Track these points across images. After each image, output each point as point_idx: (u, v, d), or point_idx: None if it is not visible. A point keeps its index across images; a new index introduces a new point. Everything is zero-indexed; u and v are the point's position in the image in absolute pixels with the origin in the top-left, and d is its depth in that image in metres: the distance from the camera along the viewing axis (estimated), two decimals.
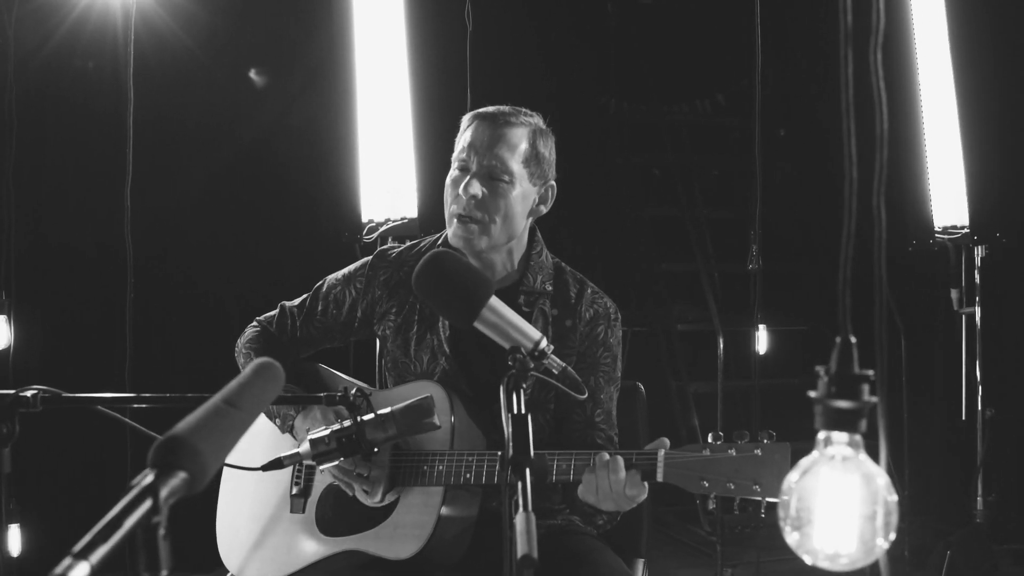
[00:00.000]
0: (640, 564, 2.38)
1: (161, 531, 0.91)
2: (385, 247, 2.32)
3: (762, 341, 4.83)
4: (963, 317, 4.50)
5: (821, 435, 0.98)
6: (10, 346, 3.70)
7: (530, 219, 2.22)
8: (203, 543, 2.27)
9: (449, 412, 2.04)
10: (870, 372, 0.97)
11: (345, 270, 2.31)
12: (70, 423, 4.01)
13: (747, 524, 4.89)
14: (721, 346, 4.81)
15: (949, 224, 4.40)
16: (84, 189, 4.19)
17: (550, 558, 2.05)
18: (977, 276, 4.40)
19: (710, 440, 1.83)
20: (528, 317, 2.17)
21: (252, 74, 4.57)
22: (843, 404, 0.96)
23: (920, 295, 5.11)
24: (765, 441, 1.79)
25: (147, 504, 0.90)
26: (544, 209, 2.24)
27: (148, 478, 0.93)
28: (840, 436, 0.98)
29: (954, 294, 4.49)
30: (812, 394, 0.98)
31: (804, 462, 0.99)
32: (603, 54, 5.83)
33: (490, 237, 2.14)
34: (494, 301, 1.74)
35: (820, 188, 5.78)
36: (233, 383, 1.10)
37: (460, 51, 4.12)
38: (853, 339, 0.98)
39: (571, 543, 2.11)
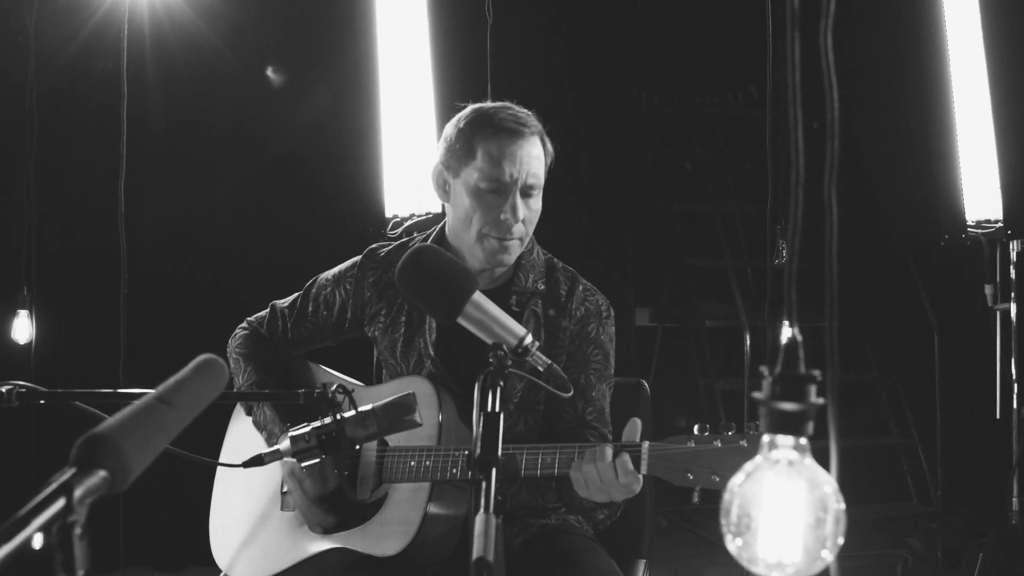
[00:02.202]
0: (641, 565, 2.34)
1: (77, 531, 0.89)
2: (375, 246, 2.29)
3: (787, 337, 4.75)
4: (997, 313, 4.38)
5: (765, 438, 0.94)
6: (32, 340, 3.75)
7: None
8: (201, 540, 2.27)
9: (437, 408, 2.01)
10: (816, 372, 0.93)
11: (335, 269, 2.28)
12: (97, 419, 4.06)
13: None
14: (748, 342, 4.74)
15: (983, 218, 4.28)
16: (103, 187, 4.23)
17: (540, 558, 2.02)
18: (1012, 271, 4.28)
19: (696, 432, 1.78)
20: (519, 317, 2.13)
21: (269, 72, 4.57)
22: (788, 406, 0.92)
23: (953, 291, 4.99)
24: (752, 432, 1.74)
25: (60, 503, 0.88)
26: None
27: (65, 476, 0.91)
28: (785, 440, 0.93)
29: (988, 290, 4.37)
30: (756, 395, 0.93)
31: (748, 466, 0.94)
32: (633, 46, 5.76)
33: (520, 249, 2.14)
34: (477, 296, 1.72)
35: (851, 182, 5.67)
36: (170, 380, 1.07)
37: (482, 45, 4.09)
38: (799, 338, 0.93)
39: (563, 543, 2.07)
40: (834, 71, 0.91)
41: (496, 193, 2.06)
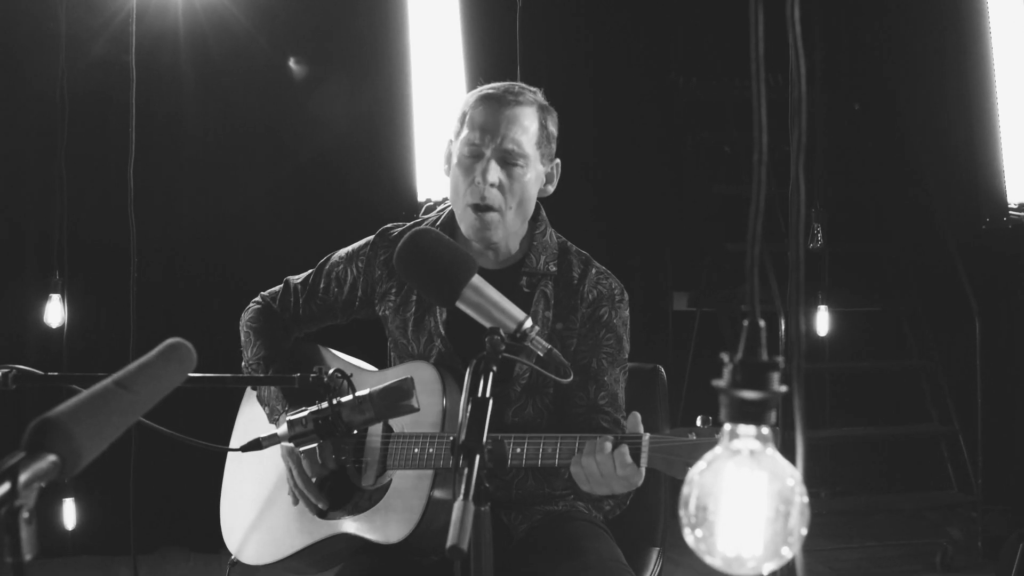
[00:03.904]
0: (655, 553, 2.31)
1: (24, 515, 0.89)
2: (388, 225, 2.28)
3: (823, 322, 4.68)
4: None
5: (726, 427, 0.90)
6: (64, 325, 3.79)
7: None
8: (211, 524, 2.28)
9: (441, 394, 1.99)
10: (779, 359, 0.89)
11: (349, 248, 2.27)
12: None
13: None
14: (783, 328, 4.66)
15: None
16: (138, 176, 4.27)
17: (541, 544, 2.00)
18: None
19: (699, 424, 1.74)
20: (529, 298, 2.10)
21: (291, 63, 4.57)
22: (749, 395, 0.88)
23: (995, 275, 4.87)
24: None
25: (5, 487, 0.87)
26: (551, 188, 2.17)
27: (13, 460, 0.90)
28: (747, 429, 0.89)
29: None
30: (716, 383, 0.90)
31: (709, 455, 0.91)
32: (669, 28, 5.69)
33: (506, 225, 2.08)
34: (476, 280, 1.70)
35: (892, 165, 5.56)
36: (133, 364, 1.07)
37: (513, 27, 4.06)
38: (762, 323, 0.89)
39: (567, 529, 2.04)
40: (801, 43, 0.87)
41: (474, 158, 2.05)
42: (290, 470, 2.02)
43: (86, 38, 4.08)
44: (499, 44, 4.05)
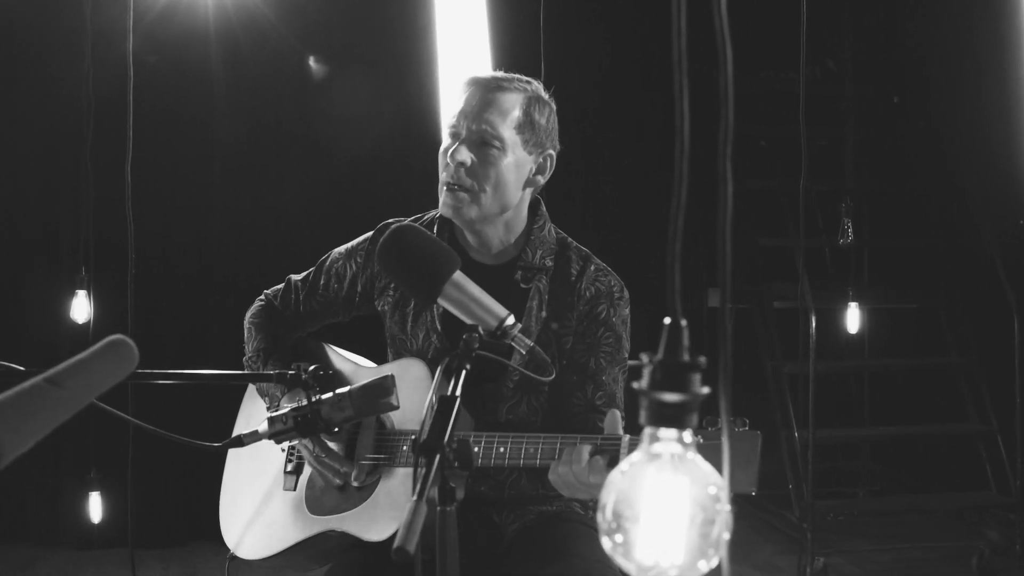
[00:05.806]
0: None
1: None
2: (388, 220, 2.26)
3: (854, 320, 4.59)
4: None
5: (647, 431, 0.87)
6: (90, 320, 3.83)
7: (528, 190, 2.11)
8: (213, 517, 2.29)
9: (433, 391, 1.97)
10: (702, 359, 0.85)
11: (349, 244, 2.27)
12: (149, 393, 4.12)
13: (840, 512, 4.67)
14: (813, 324, 4.58)
15: None
16: (162, 174, 4.30)
17: (528, 545, 1.98)
18: None
19: None
20: (525, 294, 2.08)
21: (311, 62, 4.58)
22: (670, 397, 0.85)
23: None
24: (738, 429, 1.65)
25: None
26: (542, 180, 2.13)
27: None
28: (668, 433, 0.86)
29: None
30: (636, 385, 0.86)
31: (631, 459, 0.88)
32: (700, 20, 5.61)
33: (480, 207, 2.03)
34: (458, 277, 1.69)
35: (929, 160, 5.44)
36: (69, 360, 1.06)
37: (537, 23, 4.03)
38: (684, 322, 0.86)
39: (556, 530, 2.01)
40: (728, 31, 0.83)
41: (452, 139, 2.04)
42: (306, 448, 2.01)
43: (114, 36, 4.12)
44: (525, 43, 4.02)
